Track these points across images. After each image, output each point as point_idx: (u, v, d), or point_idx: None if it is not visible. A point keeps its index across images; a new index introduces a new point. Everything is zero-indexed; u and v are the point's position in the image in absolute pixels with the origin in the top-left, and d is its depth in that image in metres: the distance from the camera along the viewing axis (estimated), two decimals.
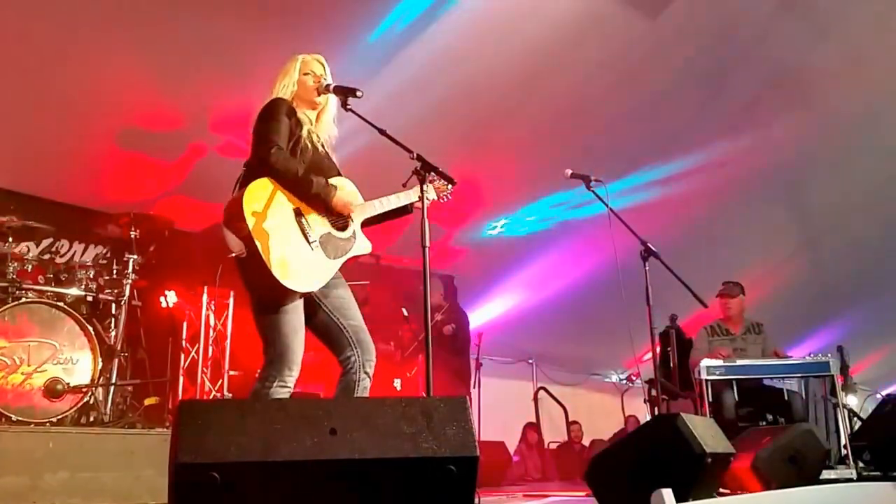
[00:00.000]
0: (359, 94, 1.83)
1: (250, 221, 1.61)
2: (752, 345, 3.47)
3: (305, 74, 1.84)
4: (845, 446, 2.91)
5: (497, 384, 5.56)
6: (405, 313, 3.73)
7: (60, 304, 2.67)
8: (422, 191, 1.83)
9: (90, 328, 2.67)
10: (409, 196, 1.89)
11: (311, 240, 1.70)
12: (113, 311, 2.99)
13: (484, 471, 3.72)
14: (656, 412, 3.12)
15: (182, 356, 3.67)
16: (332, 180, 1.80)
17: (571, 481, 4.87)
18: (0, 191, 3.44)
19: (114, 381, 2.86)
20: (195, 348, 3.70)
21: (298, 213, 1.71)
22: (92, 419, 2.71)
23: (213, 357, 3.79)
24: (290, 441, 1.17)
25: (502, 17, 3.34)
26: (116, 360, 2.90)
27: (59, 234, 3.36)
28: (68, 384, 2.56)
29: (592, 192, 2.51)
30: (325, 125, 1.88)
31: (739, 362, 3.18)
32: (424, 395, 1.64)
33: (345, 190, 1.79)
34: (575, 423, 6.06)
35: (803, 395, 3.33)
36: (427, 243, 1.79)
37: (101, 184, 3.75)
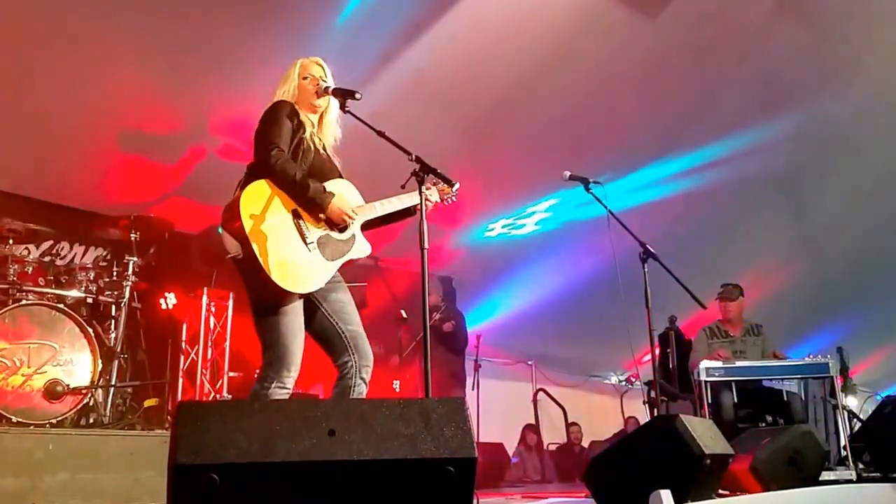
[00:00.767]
0: (357, 96, 1.83)
1: (247, 223, 1.61)
2: (752, 346, 3.47)
3: (304, 78, 1.84)
4: (845, 447, 2.91)
5: (496, 385, 5.56)
6: (404, 315, 3.74)
7: (61, 305, 2.68)
8: (420, 193, 1.84)
9: (90, 330, 2.68)
10: (410, 198, 1.89)
11: (308, 241, 1.70)
12: (113, 313, 2.99)
13: (483, 472, 3.72)
14: (655, 413, 3.11)
15: (182, 358, 3.67)
16: (333, 182, 1.80)
17: (571, 483, 4.86)
18: (1, 193, 3.45)
19: (113, 382, 2.86)
20: (195, 350, 3.71)
21: (297, 215, 1.71)
22: (92, 420, 2.71)
23: (213, 358, 3.79)
24: (288, 442, 1.16)
25: (503, 17, 3.35)
26: (116, 362, 2.91)
27: (59, 237, 3.37)
28: (68, 386, 2.57)
29: (591, 193, 2.52)
30: (328, 127, 1.89)
31: (738, 364, 3.18)
32: (423, 397, 1.65)
33: (343, 197, 1.78)
34: (574, 424, 6.06)
35: (803, 397, 3.33)
36: (426, 245, 1.79)
37: (101, 186, 3.76)
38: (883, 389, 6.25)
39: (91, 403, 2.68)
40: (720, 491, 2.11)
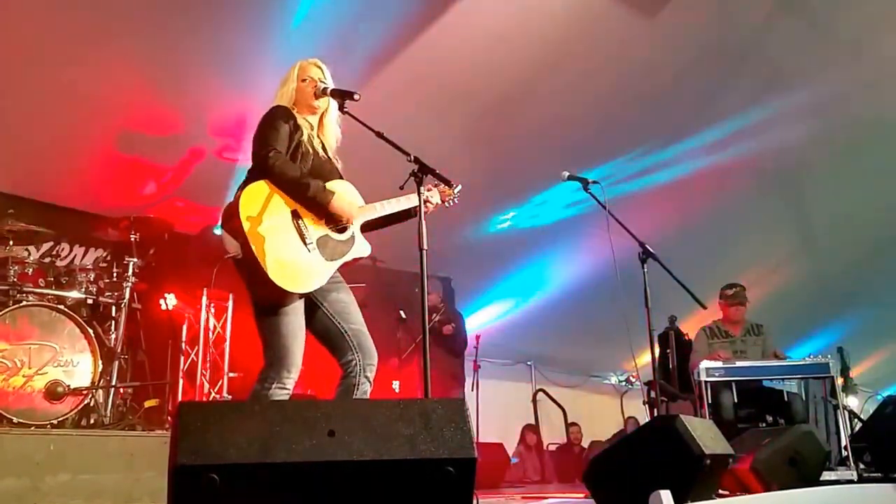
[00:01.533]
0: (356, 97, 1.84)
1: (246, 223, 1.62)
2: (752, 346, 3.46)
3: (303, 80, 1.85)
4: (846, 447, 2.91)
5: (496, 386, 5.56)
6: (403, 316, 3.74)
7: (61, 306, 2.68)
8: (419, 193, 1.84)
9: (90, 331, 2.68)
10: (410, 200, 1.89)
11: (308, 242, 1.70)
12: (113, 314, 3.00)
13: (482, 472, 3.71)
14: (655, 414, 3.11)
15: (182, 358, 3.68)
16: (333, 183, 1.80)
17: (570, 483, 4.86)
18: (1, 195, 3.46)
19: (114, 383, 2.86)
20: (195, 350, 3.71)
21: (296, 215, 1.72)
22: (92, 421, 2.72)
23: (213, 359, 3.79)
24: (288, 443, 1.17)
25: (502, 17, 3.35)
26: (116, 363, 2.91)
27: (59, 238, 3.38)
28: (69, 386, 2.57)
29: (590, 193, 2.52)
30: (328, 128, 1.89)
31: (739, 364, 3.17)
32: (422, 397, 1.65)
33: (343, 195, 1.78)
34: (574, 424, 6.06)
35: (803, 397, 3.33)
36: (425, 246, 1.80)
37: (101, 188, 3.77)
38: (884, 389, 6.25)
39: (92, 404, 2.68)
40: (720, 491, 2.11)
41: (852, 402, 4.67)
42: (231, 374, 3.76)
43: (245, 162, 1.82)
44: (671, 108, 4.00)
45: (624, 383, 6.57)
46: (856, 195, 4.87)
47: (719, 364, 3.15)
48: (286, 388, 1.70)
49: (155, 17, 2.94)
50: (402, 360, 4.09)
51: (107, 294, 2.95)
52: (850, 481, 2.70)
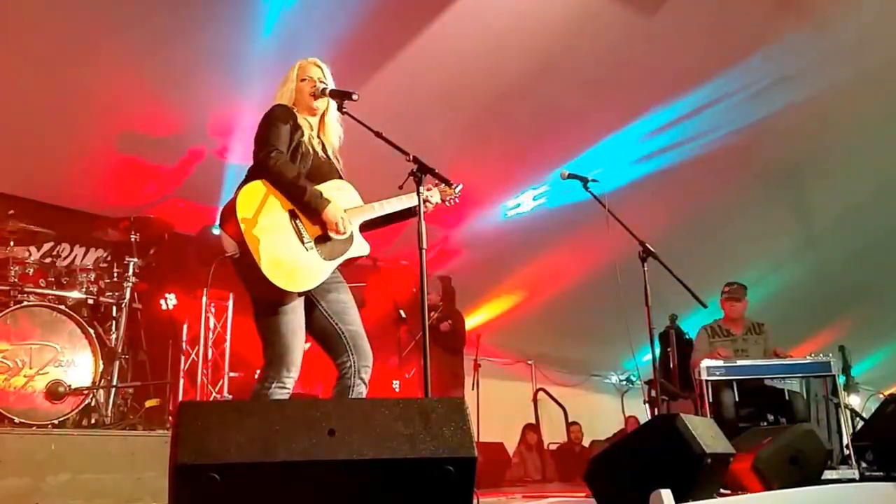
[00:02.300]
0: (354, 96, 1.84)
1: (243, 223, 1.62)
2: (754, 345, 3.45)
3: (302, 80, 1.85)
4: (847, 446, 2.90)
5: (496, 385, 5.55)
6: (402, 315, 3.74)
7: (62, 307, 2.68)
8: (418, 193, 1.84)
9: (91, 331, 2.68)
10: (410, 199, 1.89)
11: (305, 241, 1.70)
12: (114, 314, 3.00)
13: (483, 472, 3.70)
14: (656, 413, 3.11)
15: (182, 358, 3.68)
16: (332, 183, 1.80)
17: (572, 482, 4.85)
18: (1, 195, 3.46)
19: (115, 383, 2.86)
20: (195, 350, 3.71)
21: (294, 215, 1.71)
22: (93, 421, 2.71)
23: (213, 359, 3.80)
24: (288, 442, 1.17)
25: (501, 15, 3.35)
26: (117, 363, 2.91)
27: (60, 238, 3.38)
28: (70, 386, 2.57)
29: (589, 192, 2.51)
30: (329, 127, 1.89)
31: (740, 362, 3.17)
32: (422, 397, 1.65)
33: (338, 203, 1.78)
34: (575, 424, 6.05)
35: (804, 396, 3.32)
36: (424, 245, 1.80)
37: (101, 188, 3.77)
38: (885, 387, 6.23)
39: (93, 404, 2.68)
40: (722, 490, 2.10)
41: (854, 400, 4.66)
42: (231, 374, 3.76)
43: (245, 162, 1.81)
44: (671, 105, 3.99)
45: (625, 382, 6.56)
46: (858, 193, 4.86)
47: (720, 363, 3.14)
48: (286, 388, 1.70)
49: (155, 18, 2.95)
50: (402, 360, 4.08)
51: (107, 294, 2.96)
52: (852, 480, 2.69)
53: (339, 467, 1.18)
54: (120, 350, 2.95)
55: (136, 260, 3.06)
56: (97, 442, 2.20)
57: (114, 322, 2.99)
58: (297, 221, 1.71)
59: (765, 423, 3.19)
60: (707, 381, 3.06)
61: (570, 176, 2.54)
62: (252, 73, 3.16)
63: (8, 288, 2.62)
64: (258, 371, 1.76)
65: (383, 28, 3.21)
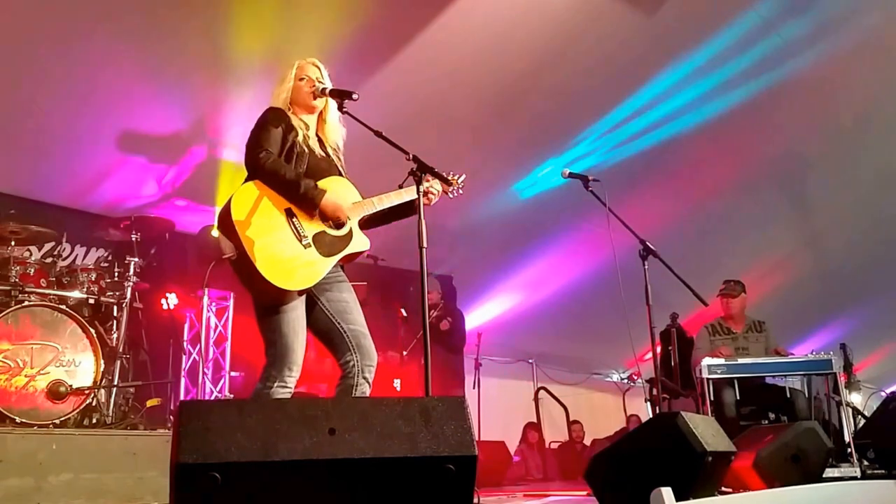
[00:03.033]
0: (354, 96, 1.84)
1: (238, 224, 1.62)
2: (754, 343, 3.45)
3: (301, 80, 1.85)
4: (849, 444, 2.89)
5: (497, 384, 5.55)
6: (404, 314, 3.75)
7: (62, 306, 2.68)
8: (418, 192, 1.84)
9: (92, 330, 2.67)
10: (409, 193, 1.88)
11: (303, 239, 1.70)
12: (115, 314, 3.00)
13: (484, 471, 3.70)
14: (657, 411, 3.10)
15: (183, 357, 3.69)
16: (328, 181, 1.79)
17: (573, 481, 4.86)
18: (1, 195, 3.47)
19: (116, 382, 2.87)
20: (196, 349, 3.73)
21: (290, 214, 1.71)
22: (95, 421, 2.72)
23: (214, 358, 3.81)
24: (289, 441, 1.17)
25: (501, 14, 3.34)
26: (118, 362, 2.92)
27: (60, 238, 3.38)
28: (71, 386, 2.57)
29: (590, 191, 2.51)
30: (330, 126, 1.88)
31: (741, 361, 3.16)
32: (423, 395, 1.65)
33: (335, 193, 1.78)
34: (576, 422, 6.05)
35: (806, 394, 3.31)
36: (424, 244, 1.80)
37: (102, 188, 3.77)
38: (887, 385, 6.23)
39: (94, 404, 2.68)
40: (723, 489, 2.10)
41: (855, 398, 4.65)
42: (232, 373, 3.77)
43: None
44: (671, 103, 3.98)
45: (626, 381, 6.56)
46: (860, 191, 4.85)
47: (721, 361, 3.14)
48: (288, 387, 1.70)
49: (156, 16, 2.94)
50: (403, 359, 4.09)
51: (108, 294, 2.96)
52: (854, 478, 2.69)
53: (340, 466, 1.18)
54: (121, 350, 2.96)
55: (136, 259, 3.07)
56: (98, 442, 2.21)
57: (115, 322, 2.99)
58: (294, 220, 1.71)
59: (766, 422, 3.19)
60: (708, 379, 3.06)
61: (571, 175, 2.54)
62: (252, 72, 3.16)
63: (9, 288, 2.63)
64: (261, 370, 1.76)
65: (382, 26, 3.21)
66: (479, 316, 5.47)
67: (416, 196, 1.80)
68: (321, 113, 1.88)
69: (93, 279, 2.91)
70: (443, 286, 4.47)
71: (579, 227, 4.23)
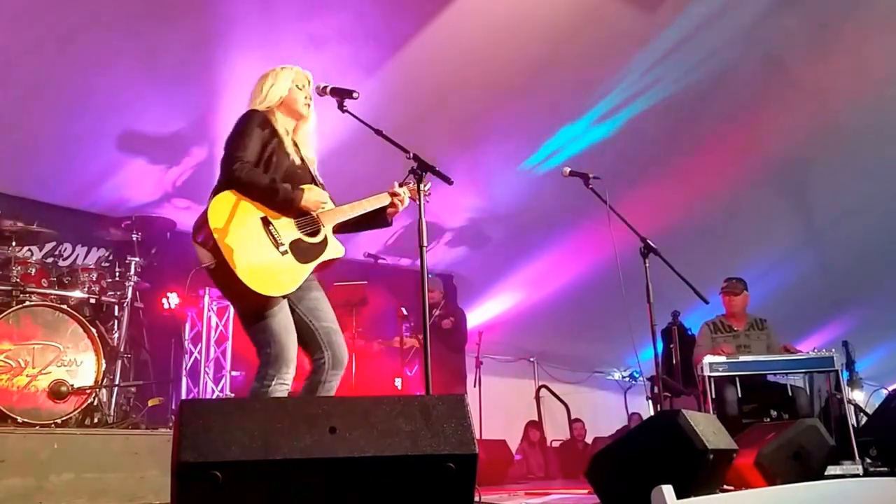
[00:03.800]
0: (355, 95, 1.85)
1: (216, 233, 1.63)
2: (756, 341, 3.44)
3: (299, 88, 1.88)
4: (851, 442, 2.89)
5: (498, 383, 5.55)
6: (404, 312, 3.75)
7: (64, 306, 2.68)
8: (419, 191, 1.85)
9: (93, 330, 2.68)
10: (379, 200, 1.90)
11: (280, 246, 1.73)
12: (116, 313, 3.01)
13: (486, 469, 3.69)
14: (659, 409, 3.10)
15: (184, 357, 3.70)
16: (304, 188, 1.81)
17: (575, 479, 4.86)
18: (3, 195, 3.47)
19: (117, 382, 2.88)
20: (197, 349, 3.73)
21: (266, 222, 1.73)
22: (96, 420, 2.72)
23: (215, 357, 3.81)
24: (290, 440, 1.18)
25: (501, 13, 3.34)
26: (120, 362, 2.94)
27: (61, 238, 3.40)
28: (72, 386, 2.57)
29: (591, 189, 2.51)
30: (307, 137, 1.91)
31: (742, 358, 3.15)
32: (423, 394, 1.65)
33: (313, 190, 1.81)
34: (577, 420, 6.05)
35: (808, 391, 3.31)
36: (424, 243, 1.81)
37: (102, 188, 3.78)
38: (890, 383, 6.21)
39: (95, 403, 2.69)
40: (725, 486, 2.10)
41: (858, 396, 4.64)
42: (234, 373, 3.78)
43: None
44: (672, 102, 3.97)
45: (627, 379, 6.56)
46: (861, 187, 4.84)
47: (723, 359, 3.13)
48: (286, 384, 1.72)
49: (156, 17, 2.95)
50: (404, 358, 4.09)
51: (109, 293, 2.97)
52: (856, 475, 2.68)
53: (341, 465, 1.19)
54: (122, 349, 2.97)
55: (137, 259, 3.08)
56: (100, 441, 2.21)
57: (116, 321, 3.00)
58: (270, 227, 1.73)
59: (768, 419, 3.18)
60: (710, 377, 3.05)
61: (572, 173, 2.53)
62: (251, 72, 3.15)
63: (10, 288, 2.63)
64: (256, 372, 1.77)
65: (383, 24, 3.20)
66: (479, 314, 5.47)
67: (384, 203, 1.84)
68: (301, 122, 1.90)
69: (94, 279, 2.91)
70: (443, 284, 4.46)
71: (580, 224, 4.23)
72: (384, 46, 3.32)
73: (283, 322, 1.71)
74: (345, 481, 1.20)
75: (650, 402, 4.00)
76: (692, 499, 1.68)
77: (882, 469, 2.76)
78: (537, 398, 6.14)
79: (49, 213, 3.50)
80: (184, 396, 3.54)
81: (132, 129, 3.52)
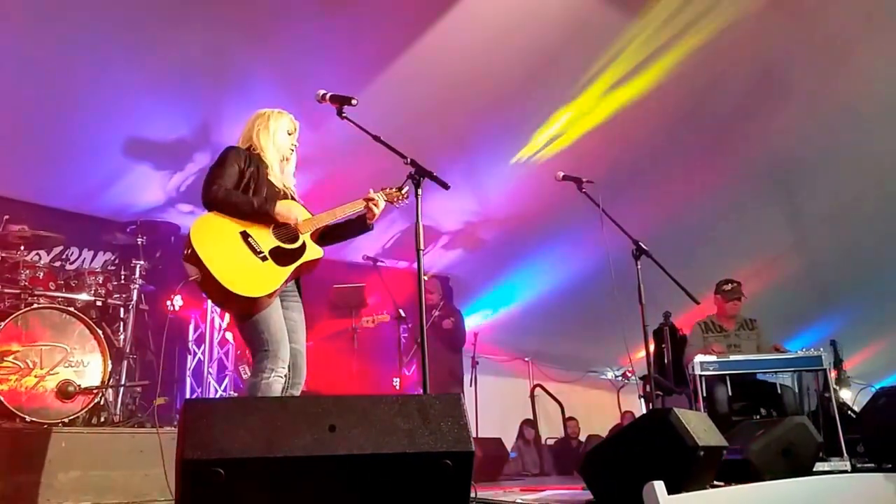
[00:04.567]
0: (354, 101, 1.92)
1: (199, 248, 1.75)
2: (746, 340, 3.48)
3: (290, 133, 2.00)
4: (839, 439, 2.93)
5: (494, 382, 5.59)
6: (402, 314, 3.81)
7: (71, 308, 2.72)
8: (416, 195, 1.91)
9: (100, 332, 2.72)
10: (354, 206, 1.98)
11: (260, 254, 1.83)
12: (121, 315, 3.06)
13: (482, 466, 3.73)
14: (651, 408, 3.14)
15: (188, 357, 3.75)
16: (282, 201, 1.91)
17: (569, 475, 4.91)
18: (11, 201, 3.51)
19: (123, 382, 2.93)
20: (201, 349, 3.78)
21: (245, 235, 1.84)
22: (103, 419, 2.77)
23: (219, 358, 3.86)
24: (291, 438, 1.21)
25: (492, 25, 3.39)
26: (125, 362, 2.98)
27: (68, 242, 3.44)
28: (79, 386, 2.61)
29: (585, 193, 2.56)
30: (287, 176, 2.02)
31: (733, 358, 3.19)
32: (421, 393, 1.70)
33: (287, 202, 1.91)
34: (571, 419, 6.08)
35: (796, 390, 3.35)
36: (422, 246, 1.87)
37: (108, 193, 3.82)
38: (877, 381, 6.26)
39: (102, 403, 2.73)
40: (715, 483, 2.14)
41: (846, 394, 4.69)
42: (236, 373, 3.82)
43: None
44: (662, 108, 4.01)
45: (620, 378, 6.60)
46: (847, 191, 4.88)
47: (713, 358, 3.17)
48: (281, 377, 1.81)
49: (161, 25, 2.98)
50: (402, 359, 4.14)
51: (115, 296, 3.02)
52: (844, 471, 2.73)
53: (341, 462, 1.22)
54: (128, 350, 3.02)
55: (142, 263, 3.13)
56: (106, 440, 2.24)
57: (122, 323, 3.05)
58: (250, 238, 1.84)
59: (757, 417, 3.21)
60: (701, 376, 3.09)
61: (566, 177, 2.58)
62: (253, 79, 3.21)
63: (19, 291, 2.68)
64: (252, 367, 1.86)
65: (381, 33, 3.25)
66: (475, 316, 5.51)
67: (360, 210, 1.93)
68: (283, 160, 2.01)
69: (100, 282, 2.96)
70: (441, 286, 4.52)
71: (573, 227, 4.27)
72: (384, 50, 3.37)
73: (273, 318, 1.82)
74: (344, 478, 1.24)
75: (642, 400, 4.04)
76: (683, 494, 1.72)
77: (869, 465, 2.80)
78: (532, 397, 6.17)
79: (56, 218, 3.55)
80: (188, 396, 3.58)
81: (137, 136, 3.56)
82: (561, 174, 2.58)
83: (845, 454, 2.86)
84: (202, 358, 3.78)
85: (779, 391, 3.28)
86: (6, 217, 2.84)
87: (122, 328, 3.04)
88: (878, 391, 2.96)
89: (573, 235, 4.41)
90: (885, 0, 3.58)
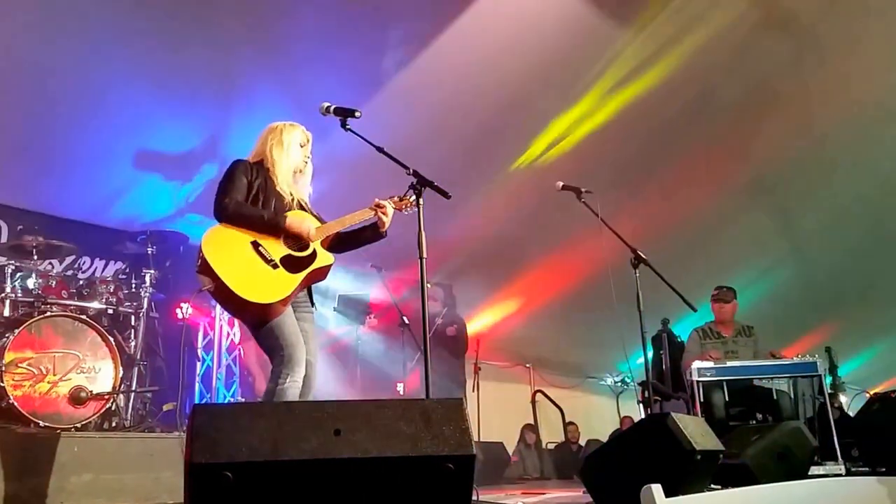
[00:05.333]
0: (357, 114, 1.98)
1: (211, 259, 1.80)
2: (743, 347, 3.51)
3: (302, 146, 2.04)
4: (834, 443, 2.96)
5: (496, 387, 5.65)
6: (406, 321, 3.87)
7: (83, 316, 2.77)
8: (419, 205, 1.97)
9: (111, 339, 2.76)
10: (363, 214, 2.03)
11: (271, 262, 1.88)
12: (132, 323, 3.11)
13: (484, 470, 3.77)
14: (649, 413, 3.18)
15: (197, 364, 3.80)
16: (291, 212, 1.95)
17: (569, 479, 4.93)
18: (25, 212, 3.59)
19: (134, 388, 2.98)
20: (209, 356, 3.84)
21: (256, 245, 1.89)
22: (114, 424, 2.82)
23: (227, 364, 3.92)
24: (297, 442, 1.24)
25: (491, 38, 3.46)
26: (136, 369, 3.04)
27: (81, 252, 3.50)
28: (91, 392, 2.65)
29: (584, 203, 2.61)
30: (301, 187, 2.06)
31: (730, 364, 3.22)
32: (424, 398, 1.76)
33: (297, 213, 1.95)
34: (571, 424, 6.11)
35: (792, 395, 3.38)
36: (424, 254, 1.92)
37: (119, 204, 3.89)
38: (871, 387, 6.27)
39: (113, 408, 2.78)
40: (711, 486, 2.17)
41: (840, 399, 4.69)
42: (245, 378, 3.87)
43: None
44: (657, 117, 4.07)
45: (619, 384, 6.63)
46: (841, 202, 4.91)
47: (711, 364, 3.20)
48: (298, 382, 1.86)
49: (172, 41, 3.05)
50: (406, 365, 4.19)
51: (126, 304, 3.07)
52: (839, 475, 2.75)
53: (345, 465, 1.25)
54: (138, 357, 3.07)
55: (152, 271, 3.19)
56: (117, 444, 2.29)
57: (132, 330, 3.10)
58: (261, 248, 1.88)
59: (754, 422, 3.24)
60: (698, 381, 3.12)
61: (565, 188, 2.64)
62: (261, 92, 3.29)
63: (32, 299, 2.74)
64: (270, 372, 1.89)
65: (384, 46, 3.33)
66: (477, 322, 5.57)
67: (372, 215, 1.97)
68: (297, 172, 2.05)
69: (111, 290, 3.01)
70: (444, 294, 4.58)
71: (573, 236, 4.33)
72: (389, 63, 3.44)
73: (291, 327, 1.86)
74: (349, 481, 1.27)
75: (641, 405, 4.06)
76: (680, 497, 1.75)
77: (863, 469, 2.83)
78: (533, 402, 6.20)
79: (68, 228, 3.61)
80: (197, 401, 3.64)
81: (147, 147, 3.63)
82: (560, 184, 2.63)
83: (840, 458, 2.88)
84: (211, 364, 3.84)
85: (775, 397, 3.30)
86: (20, 227, 2.91)
87: (132, 335, 3.10)
88: (872, 397, 2.99)
89: (573, 244, 4.45)
90: (875, 11, 3.63)
